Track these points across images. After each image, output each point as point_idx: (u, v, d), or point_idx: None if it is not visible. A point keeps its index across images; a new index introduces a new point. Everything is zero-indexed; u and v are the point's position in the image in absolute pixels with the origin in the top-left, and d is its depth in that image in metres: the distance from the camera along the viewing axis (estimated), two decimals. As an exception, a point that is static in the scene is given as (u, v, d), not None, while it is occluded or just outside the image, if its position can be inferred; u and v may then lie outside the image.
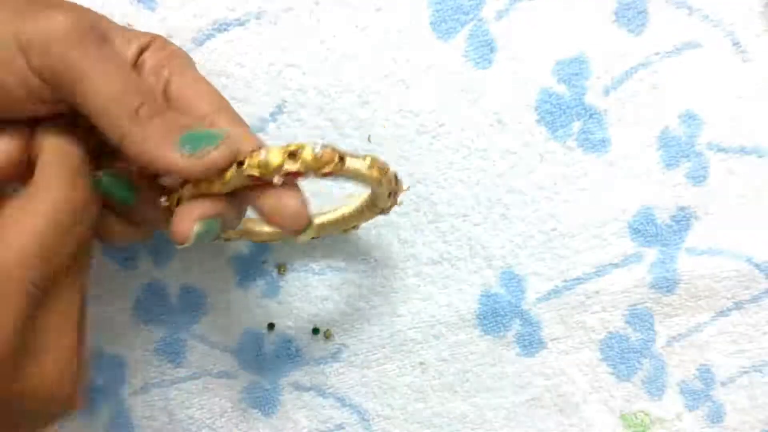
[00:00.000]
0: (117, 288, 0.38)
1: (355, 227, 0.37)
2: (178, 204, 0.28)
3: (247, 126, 0.31)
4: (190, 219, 0.27)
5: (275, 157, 0.26)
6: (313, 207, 0.37)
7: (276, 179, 0.27)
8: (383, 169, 0.29)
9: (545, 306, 0.40)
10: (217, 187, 0.27)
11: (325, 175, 0.27)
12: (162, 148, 0.26)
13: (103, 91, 0.26)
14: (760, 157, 0.40)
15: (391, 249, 0.39)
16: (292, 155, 0.26)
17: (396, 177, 0.31)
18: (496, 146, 0.39)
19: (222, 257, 0.38)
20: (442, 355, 0.40)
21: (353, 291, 0.39)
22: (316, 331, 0.39)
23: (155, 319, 0.38)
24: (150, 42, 0.31)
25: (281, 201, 0.28)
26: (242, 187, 0.27)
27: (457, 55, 0.38)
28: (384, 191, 0.30)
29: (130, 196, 0.29)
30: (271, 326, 0.39)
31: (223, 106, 0.30)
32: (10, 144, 0.28)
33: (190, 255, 0.38)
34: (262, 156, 0.26)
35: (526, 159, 0.39)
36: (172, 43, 0.32)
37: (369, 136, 0.38)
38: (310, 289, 0.39)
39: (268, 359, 0.39)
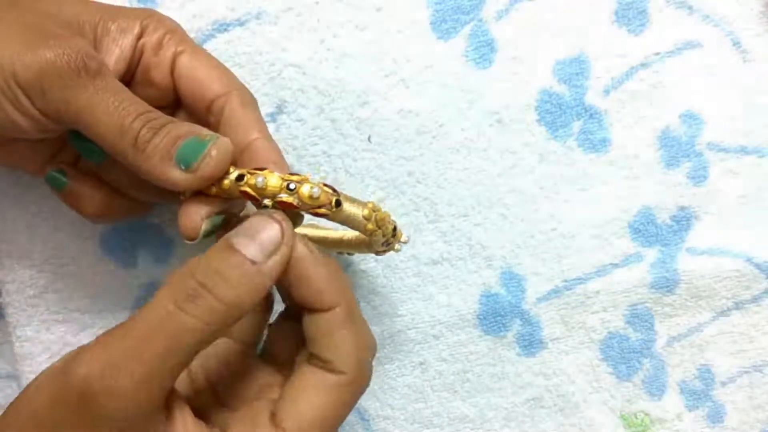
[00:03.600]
0: (117, 288, 0.38)
1: (350, 253, 0.37)
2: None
3: (256, 109, 0.32)
4: (197, 217, 0.28)
5: (272, 186, 0.27)
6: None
7: (267, 202, 0.28)
8: (381, 221, 0.29)
9: (545, 306, 0.40)
10: (215, 191, 0.29)
11: (318, 215, 0.28)
12: (161, 167, 0.28)
13: (104, 128, 0.28)
14: (760, 157, 0.40)
15: (391, 249, 0.39)
16: (290, 190, 0.27)
17: (395, 229, 0.31)
18: (496, 146, 0.39)
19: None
20: (442, 355, 0.40)
21: (353, 291, 0.39)
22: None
23: (155, 319, 0.38)
24: (145, 26, 0.32)
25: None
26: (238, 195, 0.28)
27: (457, 55, 0.38)
28: (378, 240, 0.30)
29: (100, 155, 0.31)
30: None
31: (234, 86, 0.32)
32: None
33: (190, 254, 0.38)
34: (259, 180, 0.27)
35: (526, 159, 0.39)
36: (165, 18, 0.33)
37: (369, 136, 0.38)
38: (310, 289, 0.39)
39: (268, 359, 0.39)
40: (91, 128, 0.28)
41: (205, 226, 0.28)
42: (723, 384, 0.41)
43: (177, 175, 0.28)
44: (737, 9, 0.39)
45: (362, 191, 0.38)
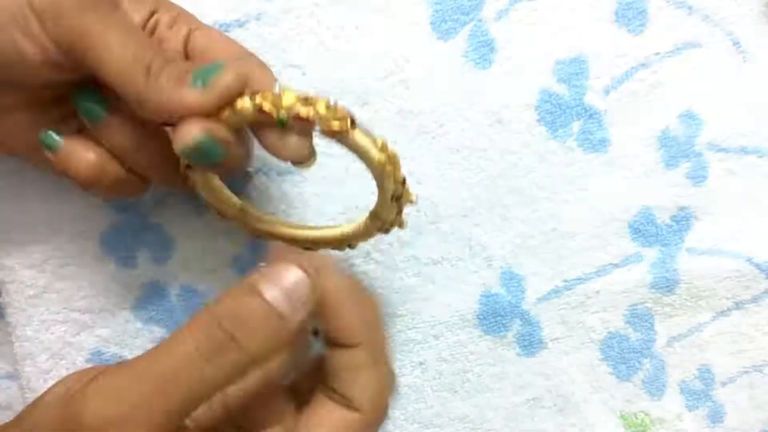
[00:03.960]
0: (117, 288, 0.38)
1: (351, 246, 0.36)
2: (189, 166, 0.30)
3: (273, 76, 0.31)
4: (196, 125, 0.27)
5: (288, 97, 0.27)
6: (312, 222, 0.38)
7: (282, 114, 0.27)
8: (393, 157, 0.28)
9: (545, 306, 0.40)
10: (227, 115, 0.28)
11: (331, 134, 0.27)
12: (177, 91, 0.27)
13: (117, 56, 0.27)
14: (760, 157, 0.40)
15: (391, 249, 0.39)
16: (306, 100, 0.27)
17: (404, 180, 0.30)
18: (496, 146, 0.39)
19: (222, 257, 0.38)
20: (442, 355, 0.40)
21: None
22: (316, 332, 0.39)
23: (155, 319, 0.38)
24: (158, 5, 0.32)
25: (285, 136, 0.28)
26: (251, 123, 0.28)
27: (457, 55, 0.38)
28: (388, 185, 0.29)
29: (99, 113, 0.30)
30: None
31: (252, 65, 0.31)
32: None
33: (190, 255, 0.38)
34: (276, 91, 0.27)
35: (526, 159, 0.39)
36: (177, 5, 0.33)
37: (369, 136, 0.38)
38: (310, 289, 0.39)
39: (268, 359, 0.39)
40: (101, 58, 0.27)
41: (199, 136, 0.27)
42: (723, 384, 0.41)
43: (192, 95, 0.27)
44: (737, 9, 0.39)
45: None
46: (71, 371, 0.38)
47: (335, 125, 0.27)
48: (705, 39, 0.39)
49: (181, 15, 0.32)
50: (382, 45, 0.38)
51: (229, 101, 0.27)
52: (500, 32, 0.38)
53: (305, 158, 0.29)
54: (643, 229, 0.40)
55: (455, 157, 0.39)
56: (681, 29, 0.39)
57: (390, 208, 0.31)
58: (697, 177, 0.40)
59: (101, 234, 0.38)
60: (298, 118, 0.27)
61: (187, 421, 0.26)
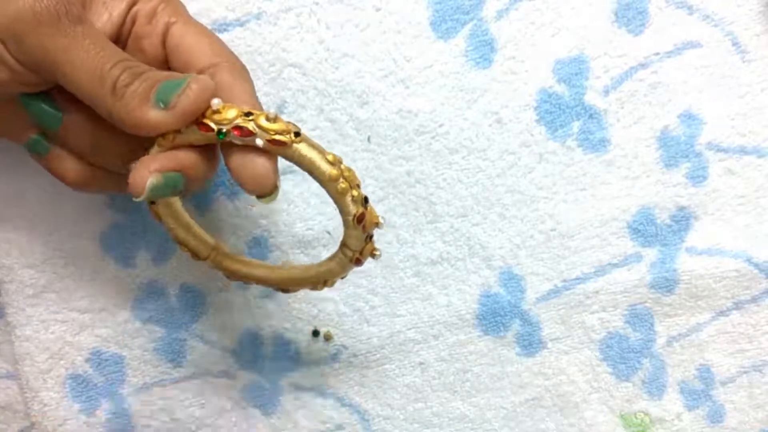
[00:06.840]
0: (116, 288, 0.38)
1: (327, 283, 0.34)
2: None
3: (248, 80, 0.31)
4: (146, 171, 0.27)
5: (230, 111, 0.27)
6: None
7: (224, 129, 0.27)
8: (348, 171, 0.28)
9: (545, 306, 0.40)
10: (172, 140, 0.27)
11: (274, 146, 0.27)
12: (139, 110, 0.27)
13: (82, 73, 0.27)
14: (760, 157, 0.40)
15: (390, 249, 0.39)
16: (248, 114, 0.27)
17: (366, 200, 0.28)
18: (495, 146, 0.39)
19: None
20: (442, 355, 0.40)
21: (353, 291, 0.39)
22: (316, 333, 0.39)
23: (155, 319, 0.39)
24: None
25: (250, 160, 0.28)
26: (198, 140, 0.27)
27: (457, 55, 0.38)
28: (346, 206, 0.28)
29: (54, 120, 0.30)
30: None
31: (225, 59, 0.31)
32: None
33: (190, 255, 0.38)
34: (215, 102, 0.27)
35: (526, 159, 0.39)
36: None
37: (369, 136, 0.38)
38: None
39: (267, 359, 0.39)
40: (68, 75, 0.27)
41: (154, 180, 0.27)
42: (723, 384, 0.41)
43: (154, 115, 0.27)
44: (737, 9, 0.39)
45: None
46: (71, 371, 0.38)
47: (276, 137, 0.26)
48: (705, 39, 0.39)
49: (163, 3, 0.31)
50: (382, 45, 0.38)
51: (192, 118, 0.27)
52: (500, 32, 0.38)
53: (264, 187, 0.28)
54: (643, 229, 0.40)
55: (454, 156, 0.39)
56: (681, 29, 0.39)
57: (356, 234, 0.29)
58: (697, 177, 0.40)
59: (101, 234, 0.38)
60: (237, 130, 0.26)
61: None
